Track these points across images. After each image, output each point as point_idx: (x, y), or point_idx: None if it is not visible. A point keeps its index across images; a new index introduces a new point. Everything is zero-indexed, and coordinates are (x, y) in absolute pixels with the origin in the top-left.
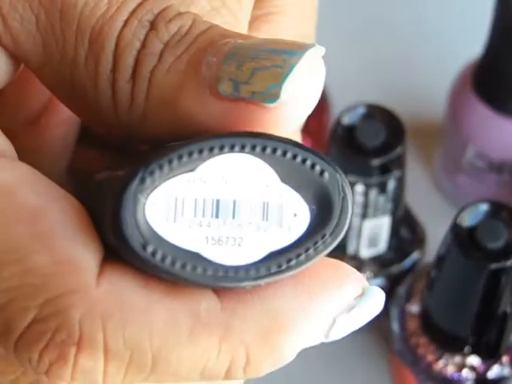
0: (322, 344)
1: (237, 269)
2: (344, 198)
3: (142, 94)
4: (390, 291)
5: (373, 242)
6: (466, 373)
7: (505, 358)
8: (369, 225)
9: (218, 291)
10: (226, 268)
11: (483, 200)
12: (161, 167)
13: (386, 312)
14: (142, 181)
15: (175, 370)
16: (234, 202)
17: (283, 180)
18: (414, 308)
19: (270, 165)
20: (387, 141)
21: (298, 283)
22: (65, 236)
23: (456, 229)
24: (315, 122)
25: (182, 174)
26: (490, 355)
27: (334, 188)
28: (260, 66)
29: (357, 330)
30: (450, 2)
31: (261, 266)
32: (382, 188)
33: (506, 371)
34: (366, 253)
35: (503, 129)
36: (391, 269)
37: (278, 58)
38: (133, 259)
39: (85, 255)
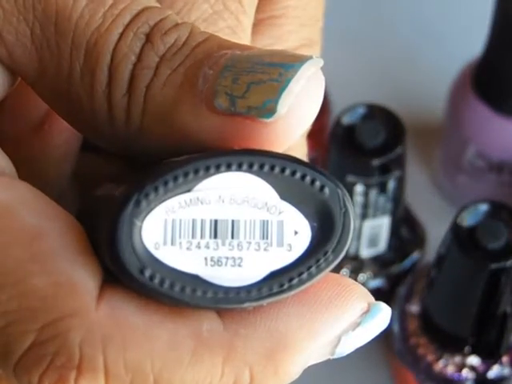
0: None
1: (238, 290)
2: (345, 213)
3: (138, 108)
4: (389, 291)
5: (373, 242)
6: (466, 373)
7: (505, 358)
8: (369, 225)
9: (220, 312)
10: (227, 289)
11: (483, 200)
12: (156, 189)
13: None
14: (137, 204)
15: None
16: (233, 222)
17: (283, 197)
18: (414, 308)
19: (269, 182)
20: (387, 141)
21: (301, 302)
22: (64, 258)
23: (456, 229)
24: (315, 122)
25: (178, 195)
26: (490, 355)
27: (334, 203)
28: (256, 79)
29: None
30: (450, 2)
31: (262, 287)
32: (382, 188)
33: (506, 371)
34: (366, 253)
35: (503, 129)
36: (391, 269)
37: (275, 72)
38: (131, 284)
39: (84, 277)
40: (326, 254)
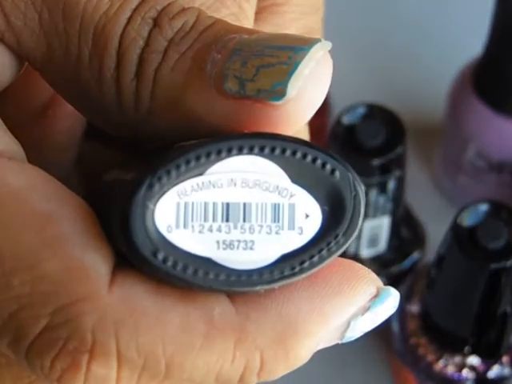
0: None
1: (250, 273)
2: (356, 197)
3: (147, 92)
4: None
5: (373, 242)
6: (466, 373)
7: (505, 358)
8: (369, 225)
9: (231, 295)
10: (239, 272)
11: (483, 200)
12: (168, 173)
13: None
14: (150, 187)
15: (189, 376)
16: (244, 205)
17: (294, 180)
18: (414, 308)
19: (280, 165)
20: (387, 141)
21: (312, 286)
22: (76, 242)
23: (456, 229)
24: (315, 122)
25: (190, 178)
26: (490, 355)
27: (345, 186)
28: (265, 62)
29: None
30: (450, 2)
31: (274, 270)
32: (382, 188)
33: (506, 371)
34: (366, 253)
35: (503, 129)
36: (391, 269)
37: (284, 55)
38: (144, 267)
39: (96, 262)
40: (336, 237)
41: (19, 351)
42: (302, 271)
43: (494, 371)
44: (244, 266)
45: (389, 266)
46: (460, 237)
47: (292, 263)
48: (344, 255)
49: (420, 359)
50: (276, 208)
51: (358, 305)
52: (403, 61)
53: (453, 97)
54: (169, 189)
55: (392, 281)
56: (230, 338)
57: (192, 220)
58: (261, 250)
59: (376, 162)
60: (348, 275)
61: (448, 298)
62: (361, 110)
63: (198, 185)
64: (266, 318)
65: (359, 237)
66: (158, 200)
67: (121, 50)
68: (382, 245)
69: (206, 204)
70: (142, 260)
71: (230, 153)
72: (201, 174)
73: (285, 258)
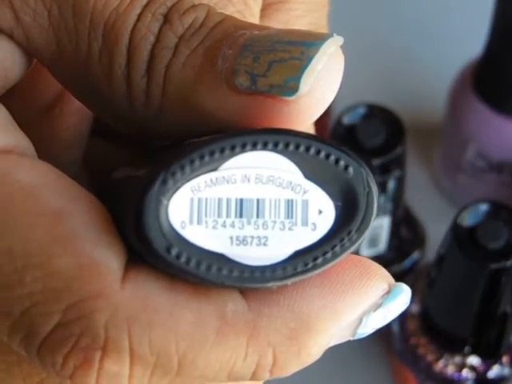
0: None
1: (263, 269)
2: (369, 193)
3: (158, 89)
4: None
5: (373, 242)
6: (465, 373)
7: (505, 358)
8: None
9: (244, 292)
10: (252, 268)
11: (483, 200)
12: (182, 168)
13: None
14: (164, 182)
15: (202, 373)
16: (258, 201)
17: (307, 176)
18: (414, 308)
19: (294, 161)
20: (387, 141)
21: (324, 282)
22: (88, 238)
23: (456, 229)
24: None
25: (204, 173)
26: (490, 355)
27: (358, 183)
28: (277, 58)
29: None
30: (450, 3)
31: (287, 266)
32: (382, 188)
33: (506, 371)
34: (366, 253)
35: (503, 129)
36: (391, 269)
37: (296, 50)
38: (157, 262)
39: (108, 258)
40: (349, 233)
41: (31, 348)
42: (315, 267)
43: (494, 371)
44: (257, 262)
45: (389, 266)
46: (460, 237)
47: (305, 259)
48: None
49: (420, 359)
50: (289, 204)
51: (370, 301)
52: (403, 61)
53: (453, 97)
54: (182, 184)
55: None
56: (242, 334)
57: (206, 216)
58: (274, 246)
59: (376, 161)
60: (360, 272)
61: (448, 298)
62: (361, 110)
63: (211, 180)
64: (279, 314)
65: None
66: (171, 195)
67: (131, 47)
68: (382, 245)
69: (219, 200)
70: (155, 256)
71: (243, 148)
72: (214, 170)
73: (298, 255)
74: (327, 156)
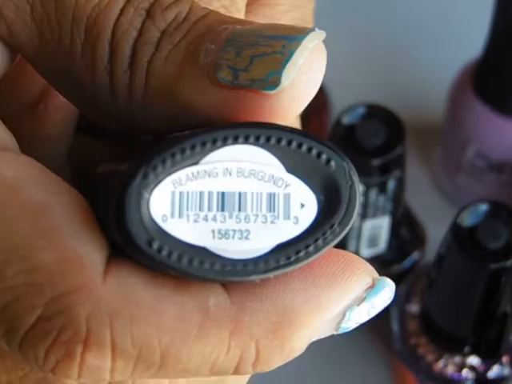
0: (322, 344)
1: (245, 262)
2: (352, 186)
3: (141, 83)
4: None
5: (373, 242)
6: (465, 373)
7: (505, 358)
8: (369, 225)
9: (226, 286)
10: (234, 262)
11: (483, 200)
12: (163, 161)
13: (386, 312)
14: (145, 176)
15: (184, 367)
16: (240, 195)
17: (289, 170)
18: (414, 308)
19: (275, 155)
20: (387, 141)
21: (308, 276)
22: (70, 233)
23: (456, 229)
24: (315, 121)
25: (185, 167)
26: (490, 355)
27: (341, 176)
28: (259, 52)
29: (357, 329)
30: (450, 2)
31: (269, 259)
32: (382, 188)
33: (506, 371)
34: (366, 253)
35: (503, 129)
36: (391, 269)
37: (278, 44)
38: (138, 256)
39: (90, 252)
40: (332, 226)
41: (13, 343)
42: (297, 261)
43: (494, 371)
44: (239, 255)
45: (389, 266)
46: (460, 237)
47: (287, 253)
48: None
49: (420, 359)
50: (271, 197)
51: (353, 295)
52: (403, 61)
53: (453, 97)
54: (164, 178)
55: (392, 281)
56: (225, 328)
57: (187, 209)
58: (256, 239)
59: (376, 161)
60: (343, 265)
61: (448, 298)
62: (361, 110)
63: (193, 174)
64: (261, 308)
65: (359, 237)
66: (153, 189)
67: (114, 42)
68: (382, 245)
69: (201, 193)
70: (136, 249)
71: (225, 142)
72: (196, 164)
73: (280, 248)
74: (309, 150)
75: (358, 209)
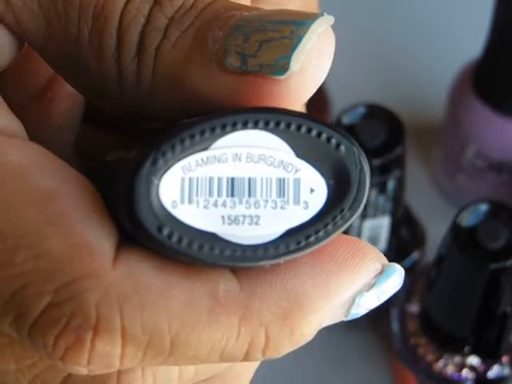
0: (322, 344)
1: (255, 248)
2: (361, 171)
3: (148, 70)
4: None
5: (373, 242)
6: (465, 373)
7: (505, 358)
8: (369, 225)
9: (236, 272)
10: (244, 247)
11: (483, 200)
12: (173, 147)
13: (386, 312)
14: (155, 162)
15: (194, 353)
16: (249, 180)
17: (298, 155)
18: (414, 308)
19: (285, 140)
20: (387, 141)
21: (317, 261)
22: (79, 219)
23: (456, 229)
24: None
25: (194, 153)
26: (490, 355)
27: (350, 161)
28: (268, 37)
29: (357, 329)
30: (450, 2)
31: (279, 244)
32: (382, 188)
33: (506, 371)
34: None
35: (503, 129)
36: None
37: (286, 29)
38: (148, 242)
39: (100, 238)
40: (342, 211)
41: (22, 330)
42: (307, 246)
43: (494, 371)
44: (249, 241)
45: None
46: (460, 237)
47: (298, 238)
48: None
49: (420, 359)
50: (281, 183)
51: (362, 281)
52: (403, 61)
53: (453, 97)
54: (173, 164)
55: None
56: (234, 314)
57: (197, 195)
58: (266, 224)
59: (376, 161)
60: (353, 251)
61: (448, 298)
62: (361, 110)
63: (202, 160)
64: (271, 294)
65: (359, 237)
66: (162, 175)
67: (121, 29)
68: (382, 245)
69: (210, 179)
70: (146, 236)
71: (234, 127)
72: (206, 149)
73: (290, 233)
74: (319, 134)
75: (367, 193)
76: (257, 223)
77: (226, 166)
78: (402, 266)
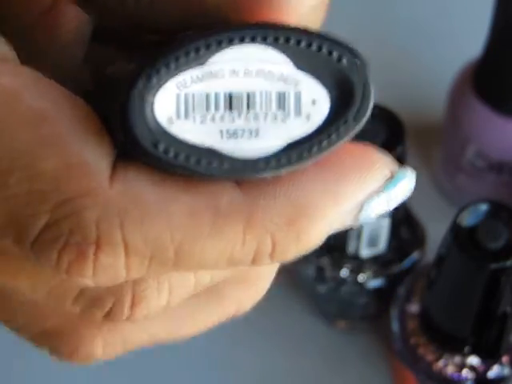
0: (322, 344)
1: (256, 161)
2: (365, 82)
3: None
4: (389, 291)
5: (373, 242)
6: (465, 373)
7: (505, 358)
8: (369, 225)
9: (239, 185)
10: (245, 161)
11: (483, 200)
12: (167, 65)
13: (385, 312)
14: (149, 79)
15: (199, 262)
16: (248, 94)
17: (299, 67)
18: (414, 308)
19: (285, 53)
20: (387, 141)
21: (323, 170)
22: (74, 138)
23: (456, 229)
24: None
25: (190, 69)
26: (490, 355)
27: (353, 72)
28: None
29: (357, 329)
30: (450, 2)
31: (281, 157)
32: None
33: (506, 371)
34: (365, 253)
35: (503, 129)
36: (391, 269)
37: None
38: (145, 158)
39: (96, 157)
40: (346, 121)
41: (24, 248)
42: (310, 156)
43: (494, 371)
44: (249, 154)
45: (389, 266)
46: (460, 237)
47: (300, 150)
48: (344, 255)
49: (420, 359)
50: (281, 95)
51: (370, 188)
52: (403, 61)
53: (453, 97)
54: (167, 80)
55: (392, 281)
56: (238, 223)
57: (193, 111)
58: (266, 137)
59: None
60: (360, 158)
61: (448, 298)
62: None
63: (198, 76)
64: (275, 203)
65: (359, 237)
66: (156, 92)
67: None
68: (382, 245)
69: (207, 95)
70: (142, 151)
71: (231, 43)
72: (201, 64)
73: (292, 145)
74: (319, 48)
75: (372, 104)
76: (256, 136)
77: (223, 81)
78: (402, 266)
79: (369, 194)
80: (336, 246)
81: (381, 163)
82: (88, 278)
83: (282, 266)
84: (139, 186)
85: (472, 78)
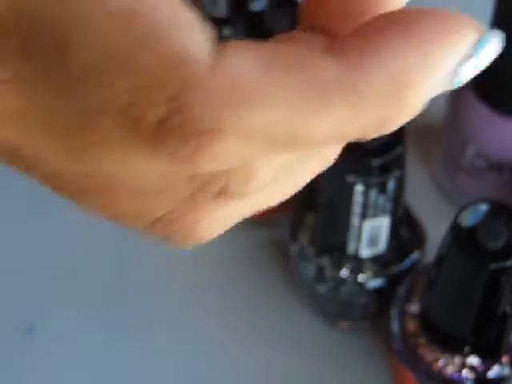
0: (322, 343)
1: None
2: None
3: None
4: (389, 291)
5: (373, 242)
6: (465, 373)
7: (505, 358)
8: (369, 225)
9: (337, 60)
10: None
11: (483, 200)
12: None
13: (385, 312)
14: None
15: (310, 140)
16: None
17: None
18: (414, 308)
19: None
20: (387, 141)
21: (419, 38)
22: (169, 31)
23: (456, 229)
24: None
25: None
26: (490, 355)
27: None
28: None
29: (357, 329)
30: (450, 2)
31: None
32: (382, 188)
33: (506, 371)
34: (366, 253)
35: (503, 129)
36: (391, 269)
37: None
38: None
39: (195, 44)
40: None
41: (138, 143)
42: None
43: (494, 371)
44: None
45: (389, 266)
46: (460, 237)
47: None
48: (344, 255)
49: (420, 359)
50: None
51: (464, 50)
52: None
53: (453, 97)
54: None
55: (392, 281)
56: (346, 97)
57: None
58: None
59: (376, 161)
60: (449, 22)
61: (448, 298)
62: None
63: None
64: (378, 77)
65: (359, 237)
66: None
67: None
68: (382, 245)
69: None
70: None
71: None
72: None
73: None
74: None
75: None
76: None
77: None
78: (402, 266)
79: (463, 57)
80: (336, 246)
81: (471, 25)
82: (205, 165)
83: (282, 266)
84: (243, 71)
85: (472, 79)
